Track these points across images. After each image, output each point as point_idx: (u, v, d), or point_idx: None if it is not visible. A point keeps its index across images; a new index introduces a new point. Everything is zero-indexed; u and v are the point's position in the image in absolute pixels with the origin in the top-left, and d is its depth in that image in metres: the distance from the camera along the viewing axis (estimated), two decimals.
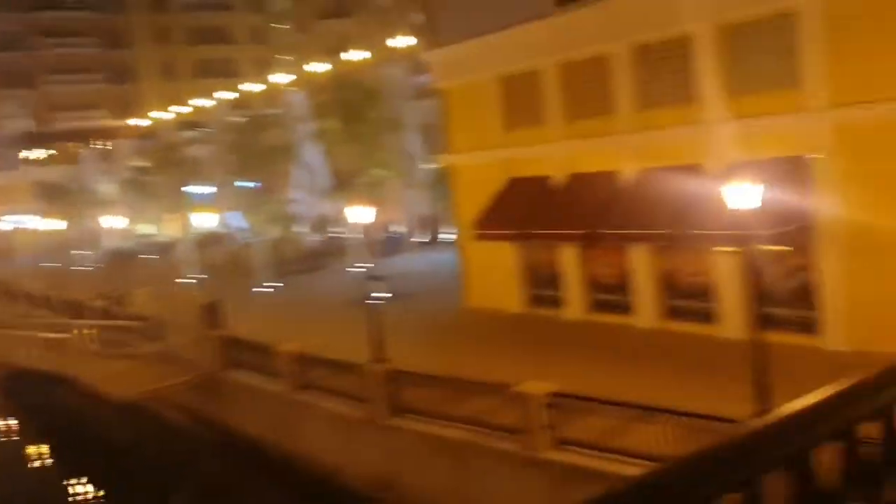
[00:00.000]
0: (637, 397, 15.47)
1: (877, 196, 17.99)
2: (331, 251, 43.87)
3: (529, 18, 24.25)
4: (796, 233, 18.74)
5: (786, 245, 19.35)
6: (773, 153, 19.37)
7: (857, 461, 1.66)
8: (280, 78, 48.76)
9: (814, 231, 19.04)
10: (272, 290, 37.83)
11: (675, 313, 22.61)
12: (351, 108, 31.01)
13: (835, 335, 18.89)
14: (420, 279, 34.74)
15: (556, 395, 14.90)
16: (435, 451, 17.05)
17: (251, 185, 42.22)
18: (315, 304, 32.64)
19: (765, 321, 20.08)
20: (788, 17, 19.18)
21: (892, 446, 1.76)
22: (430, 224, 45.65)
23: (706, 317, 21.64)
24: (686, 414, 13.23)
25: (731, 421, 12.82)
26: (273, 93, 51.21)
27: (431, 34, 29.24)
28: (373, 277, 19.01)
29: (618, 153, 23.12)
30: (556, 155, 24.93)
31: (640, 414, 13.94)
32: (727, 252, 19.83)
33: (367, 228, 29.18)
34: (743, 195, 13.37)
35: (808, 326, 19.63)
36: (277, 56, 61.73)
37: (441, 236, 43.44)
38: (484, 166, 27.18)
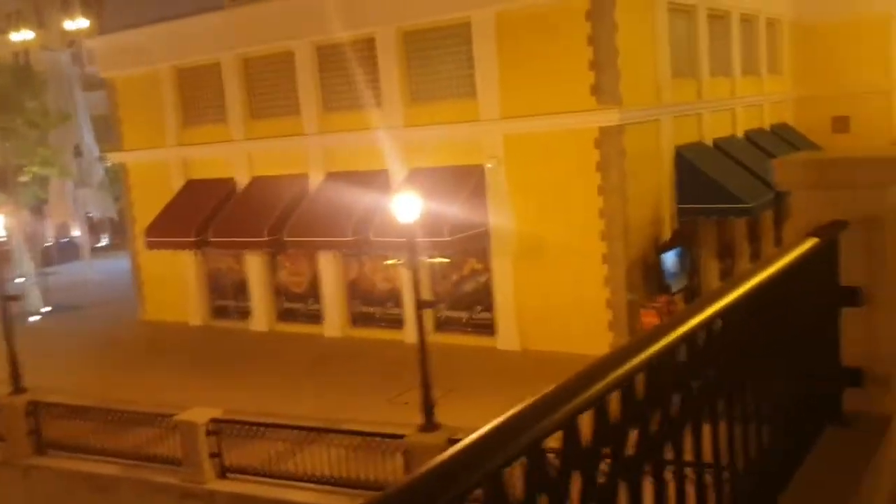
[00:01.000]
0: (318, 411, 14.95)
1: (534, 203, 18.92)
2: None
3: (205, 8, 22.57)
4: (471, 239, 19.15)
5: (455, 253, 19.73)
6: (453, 161, 19.72)
7: (543, 474, 1.71)
8: None
9: (488, 237, 19.58)
10: None
11: (363, 320, 22.29)
12: (1, 96, 26.97)
13: (507, 336, 19.63)
14: (94, 289, 31.48)
15: (222, 421, 13.70)
16: (87, 491, 15.12)
17: None
18: None
19: (445, 325, 20.61)
20: (465, 28, 19.56)
21: (570, 456, 1.82)
22: (111, 228, 41.80)
23: (393, 323, 21.54)
24: (354, 433, 12.76)
25: (399, 437, 12.59)
26: None
27: (99, 18, 26.31)
28: (8, 297, 16.24)
29: (304, 156, 22.29)
30: (238, 156, 23.51)
31: (309, 435, 13.22)
32: (398, 262, 19.78)
33: (30, 234, 25.60)
34: (409, 205, 13.10)
35: (485, 328, 20.23)
36: None
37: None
38: (160, 165, 24.97)
